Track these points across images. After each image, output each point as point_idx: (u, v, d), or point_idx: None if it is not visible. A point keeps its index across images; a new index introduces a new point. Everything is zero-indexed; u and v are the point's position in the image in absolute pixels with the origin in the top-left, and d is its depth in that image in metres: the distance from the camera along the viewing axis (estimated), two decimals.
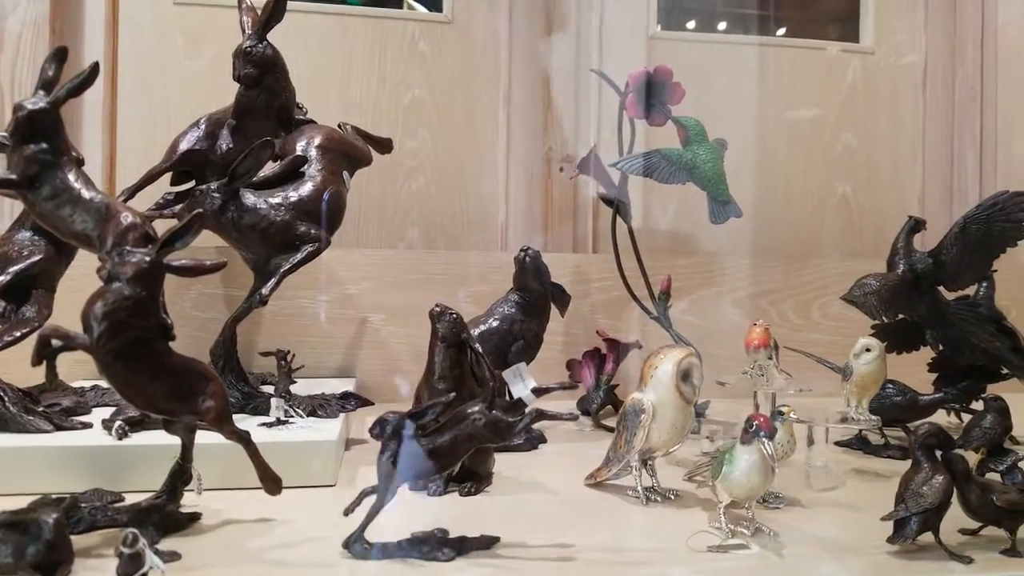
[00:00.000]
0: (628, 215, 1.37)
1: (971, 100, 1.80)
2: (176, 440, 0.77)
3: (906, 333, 1.25)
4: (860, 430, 1.14)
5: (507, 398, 0.98)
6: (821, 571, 0.73)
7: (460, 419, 0.72)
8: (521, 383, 0.76)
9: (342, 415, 1.07)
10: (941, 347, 1.23)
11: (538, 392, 0.80)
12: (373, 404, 1.14)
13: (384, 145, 1.29)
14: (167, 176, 1.20)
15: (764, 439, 0.75)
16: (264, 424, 0.98)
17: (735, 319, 1.58)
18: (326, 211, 1.07)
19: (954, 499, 0.75)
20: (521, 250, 1.15)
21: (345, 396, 1.12)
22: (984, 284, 1.26)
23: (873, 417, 1.04)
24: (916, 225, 1.24)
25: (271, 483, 0.77)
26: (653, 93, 1.24)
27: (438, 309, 0.92)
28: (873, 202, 1.81)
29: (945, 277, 1.21)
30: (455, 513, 0.83)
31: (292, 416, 1.02)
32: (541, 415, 0.73)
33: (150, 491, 0.78)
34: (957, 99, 1.82)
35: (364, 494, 0.70)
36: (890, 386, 1.15)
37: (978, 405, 1.11)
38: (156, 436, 0.86)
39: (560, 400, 1.35)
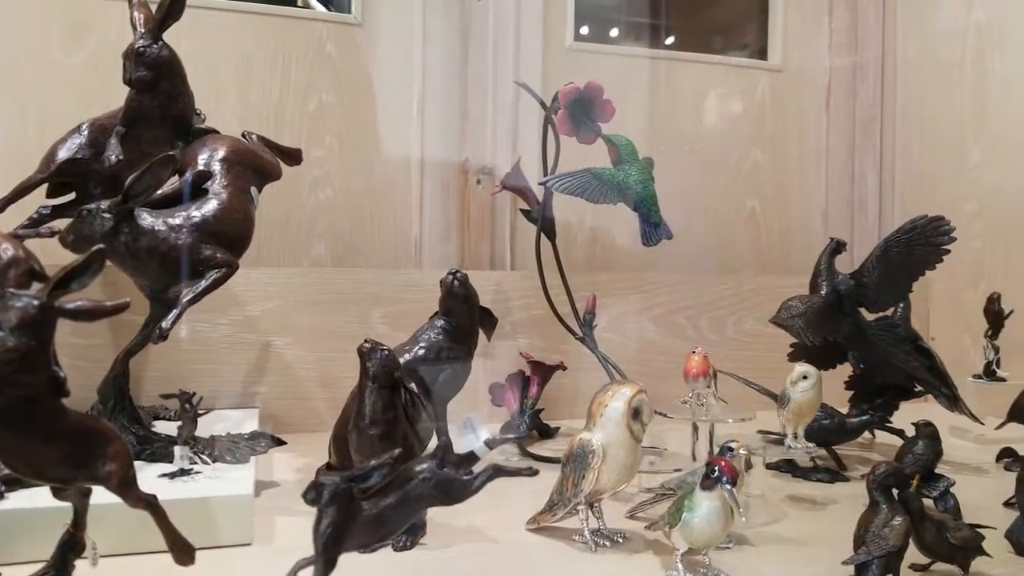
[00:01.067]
0: (552, 232, 1.32)
1: (872, 120, 1.86)
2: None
3: (824, 352, 1.26)
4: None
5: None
6: None
7: (406, 479, 0.64)
8: (472, 434, 0.69)
9: (252, 459, 0.97)
10: (862, 366, 1.25)
11: (491, 444, 0.74)
12: (285, 444, 1.04)
13: (293, 156, 1.18)
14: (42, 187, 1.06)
15: (727, 486, 0.72)
16: (165, 475, 0.87)
17: (653, 336, 1.57)
18: (233, 232, 0.97)
19: None
20: (449, 273, 1.08)
21: (254, 436, 1.01)
22: (901, 305, 1.28)
23: (810, 445, 1.04)
24: (837, 247, 1.26)
25: (182, 552, 0.67)
26: (583, 110, 1.19)
27: (368, 346, 0.84)
28: (780, 217, 1.84)
29: (867, 298, 1.22)
30: (392, 573, 0.75)
31: (197, 463, 0.91)
32: (499, 471, 0.66)
33: (36, 563, 0.66)
34: (858, 118, 1.87)
35: (299, 566, 0.62)
36: (822, 411, 1.16)
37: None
38: (41, 496, 0.74)
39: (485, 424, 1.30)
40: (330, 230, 1.53)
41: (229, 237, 0.96)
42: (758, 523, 0.91)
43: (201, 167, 0.99)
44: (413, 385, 0.86)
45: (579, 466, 0.81)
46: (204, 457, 0.92)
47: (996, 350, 1.42)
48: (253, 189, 1.04)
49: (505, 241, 1.57)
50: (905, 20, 1.83)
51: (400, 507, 0.63)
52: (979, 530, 0.77)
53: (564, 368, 1.34)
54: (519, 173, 1.33)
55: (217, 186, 0.98)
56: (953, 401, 1.22)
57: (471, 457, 0.65)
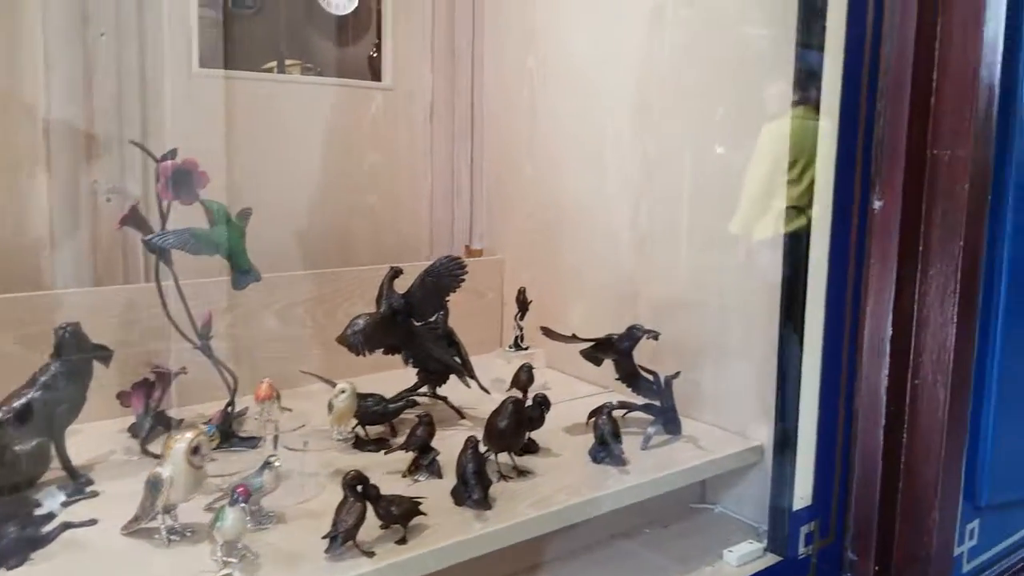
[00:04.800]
0: (170, 260, 1.61)
1: (465, 130, 2.33)
2: None
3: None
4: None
5: None
6: None
7: None
8: (51, 497, 0.99)
9: None
10: (412, 360, 1.73)
11: (66, 504, 1.06)
12: None
13: None
14: None
15: (242, 503, 1.13)
16: None
17: (275, 329, 1.93)
18: None
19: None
20: (60, 327, 1.35)
21: None
22: (441, 312, 1.77)
23: (350, 435, 1.49)
24: (395, 274, 1.69)
25: None
26: (183, 179, 1.47)
27: None
28: (394, 210, 2.26)
29: (414, 312, 1.69)
30: None
31: None
32: (67, 526, 1.00)
33: None
34: (456, 128, 2.32)
35: None
36: (370, 399, 1.62)
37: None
38: None
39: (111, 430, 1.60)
40: None
41: None
42: (296, 501, 1.35)
43: None
44: None
45: (154, 491, 1.18)
46: None
47: (521, 328, 2.00)
48: None
49: (139, 257, 1.81)
50: (487, 54, 2.28)
51: None
52: (415, 500, 1.27)
53: (185, 372, 1.66)
54: (137, 214, 1.59)
55: None
56: (468, 378, 1.75)
57: (49, 516, 0.98)
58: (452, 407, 1.77)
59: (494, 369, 1.95)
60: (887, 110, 1.49)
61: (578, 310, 2.10)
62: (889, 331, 1.54)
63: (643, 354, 1.75)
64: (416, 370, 1.77)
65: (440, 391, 1.78)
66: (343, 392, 1.45)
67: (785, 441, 1.57)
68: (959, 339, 1.52)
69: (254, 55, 2.09)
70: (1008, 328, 1.63)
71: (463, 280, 1.67)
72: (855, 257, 1.51)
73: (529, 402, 1.57)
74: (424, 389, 1.78)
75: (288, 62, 2.15)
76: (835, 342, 1.54)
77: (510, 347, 2.00)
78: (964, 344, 1.54)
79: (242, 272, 1.52)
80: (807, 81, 1.45)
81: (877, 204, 1.52)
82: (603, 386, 1.96)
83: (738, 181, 1.67)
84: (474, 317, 2.23)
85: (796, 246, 1.51)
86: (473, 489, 1.35)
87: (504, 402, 1.47)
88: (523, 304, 1.98)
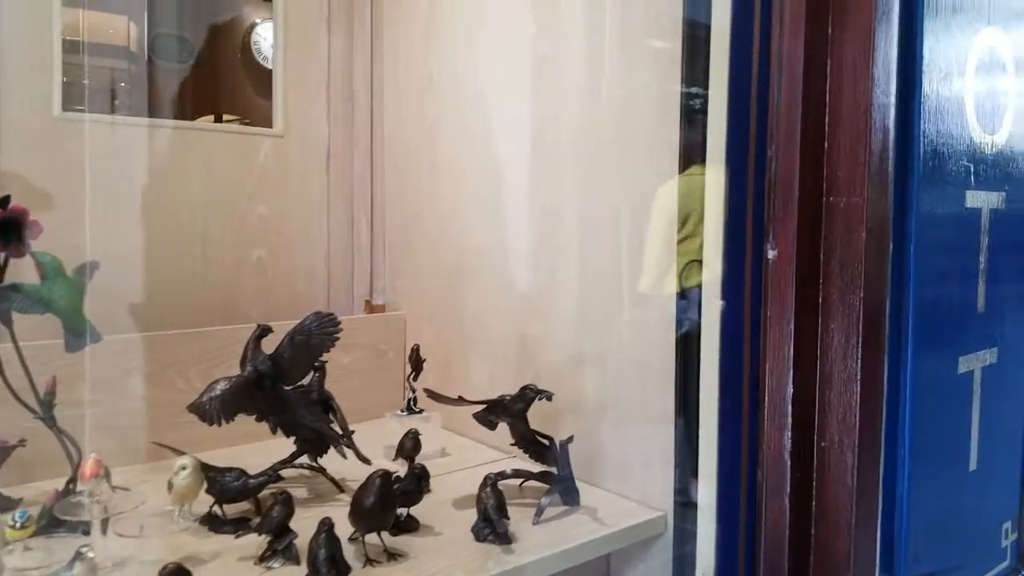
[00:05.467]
0: (8, 320, 1.45)
1: (364, 179, 2.21)
2: None
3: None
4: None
5: None
6: None
7: None
8: None
9: None
10: (280, 430, 1.57)
11: None
12: None
13: None
14: None
15: None
16: None
17: (142, 390, 1.76)
18: None
19: None
20: None
21: None
22: (317, 374, 1.62)
23: (192, 519, 1.33)
24: (262, 332, 1.55)
25: None
26: (12, 230, 1.32)
27: None
28: (286, 263, 2.12)
29: (282, 374, 1.54)
30: None
31: None
32: None
33: None
34: (355, 179, 2.20)
35: None
36: (229, 474, 1.45)
37: None
38: None
39: None
40: None
41: None
42: None
43: None
44: None
45: None
46: None
47: (414, 390, 1.85)
48: None
49: None
50: (387, 101, 2.18)
51: None
52: None
53: (24, 445, 1.49)
54: None
55: None
56: (345, 448, 1.59)
57: None
58: (331, 479, 1.61)
59: (385, 435, 1.80)
60: (778, 156, 1.41)
61: (482, 368, 1.97)
62: (790, 389, 1.43)
63: (542, 416, 1.62)
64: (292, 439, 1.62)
65: (323, 461, 1.62)
66: (184, 468, 1.29)
67: (685, 512, 1.44)
68: (864, 397, 1.41)
69: (186, 107, 1.99)
70: (918, 382, 1.53)
71: (336, 338, 1.53)
72: (750, 311, 1.41)
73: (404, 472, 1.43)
74: (305, 460, 1.63)
75: (227, 117, 2.05)
76: (734, 403, 1.43)
77: (401, 411, 1.85)
78: (871, 402, 1.43)
79: (76, 334, 1.36)
80: (691, 130, 1.37)
81: (771, 254, 1.42)
82: (506, 451, 1.82)
83: (631, 234, 1.57)
84: (374, 378, 2.10)
85: (688, 304, 1.40)
86: None
87: (371, 476, 1.32)
88: (417, 363, 1.84)
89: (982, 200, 1.67)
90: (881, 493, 1.48)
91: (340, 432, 1.60)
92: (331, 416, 1.61)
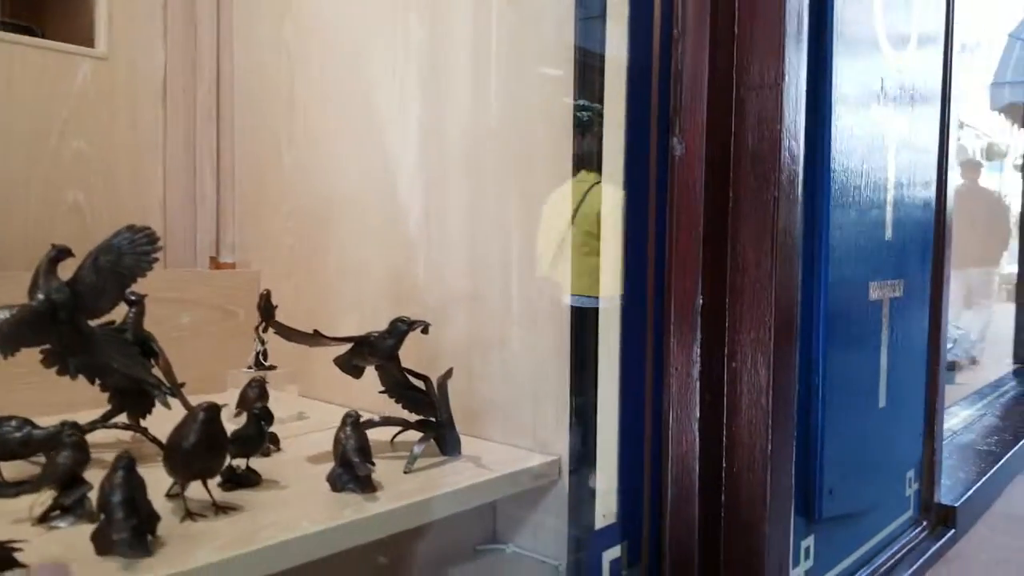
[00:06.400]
0: None
1: (209, 118, 1.91)
2: None
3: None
4: None
5: None
6: None
7: None
8: None
9: None
10: (81, 374, 1.25)
11: None
12: None
13: None
14: None
15: None
16: None
17: None
18: None
19: None
20: None
21: None
22: (133, 310, 1.31)
23: None
24: (58, 254, 1.23)
25: None
26: None
27: None
28: (110, 210, 1.79)
29: (84, 306, 1.22)
30: None
31: None
32: None
33: None
34: (198, 115, 1.90)
35: None
36: (12, 422, 1.13)
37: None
38: None
39: None
40: None
41: None
42: None
43: None
44: None
45: None
46: None
47: (264, 343, 1.56)
48: None
49: None
50: (237, 31, 1.90)
51: None
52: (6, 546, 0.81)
53: None
54: None
55: None
56: (170, 396, 1.29)
57: None
58: (154, 440, 1.30)
59: (228, 395, 1.50)
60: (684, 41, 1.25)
61: (351, 322, 1.70)
62: (700, 301, 1.25)
63: (418, 367, 1.38)
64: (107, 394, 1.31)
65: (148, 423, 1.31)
66: None
67: (583, 450, 1.24)
68: (779, 309, 1.26)
69: None
70: (831, 299, 1.41)
71: (154, 259, 1.22)
72: (655, 231, 1.23)
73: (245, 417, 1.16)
74: (123, 421, 1.31)
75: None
76: (637, 319, 1.24)
77: (249, 367, 1.56)
78: (784, 314, 1.28)
79: None
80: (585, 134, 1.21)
81: (679, 149, 1.26)
82: (375, 413, 1.56)
83: (520, 158, 1.37)
84: (223, 340, 1.79)
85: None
86: (121, 527, 0.89)
87: (191, 411, 1.04)
88: (268, 311, 1.54)
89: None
90: (795, 420, 1.33)
91: (161, 381, 1.29)
92: (152, 361, 1.30)
